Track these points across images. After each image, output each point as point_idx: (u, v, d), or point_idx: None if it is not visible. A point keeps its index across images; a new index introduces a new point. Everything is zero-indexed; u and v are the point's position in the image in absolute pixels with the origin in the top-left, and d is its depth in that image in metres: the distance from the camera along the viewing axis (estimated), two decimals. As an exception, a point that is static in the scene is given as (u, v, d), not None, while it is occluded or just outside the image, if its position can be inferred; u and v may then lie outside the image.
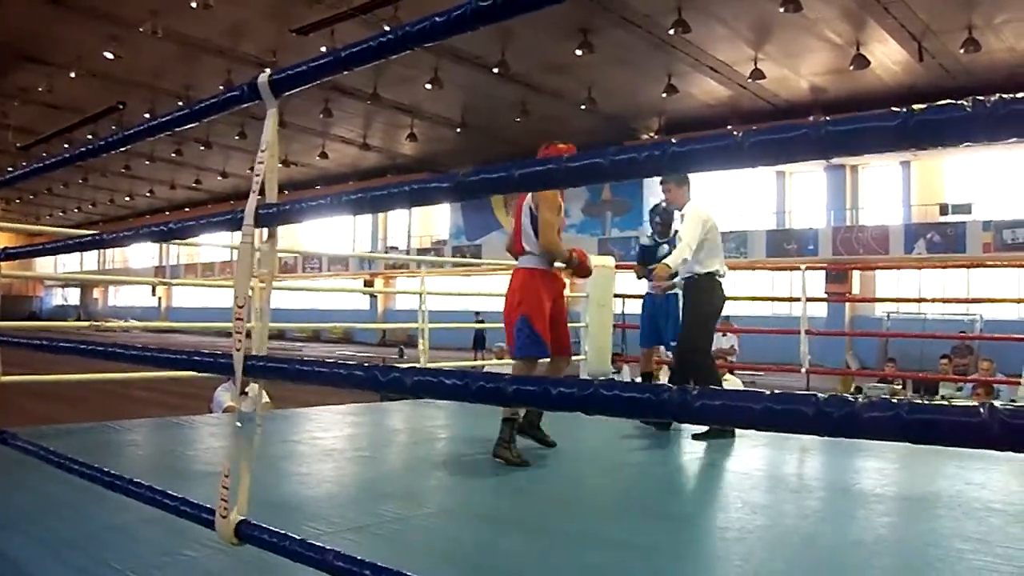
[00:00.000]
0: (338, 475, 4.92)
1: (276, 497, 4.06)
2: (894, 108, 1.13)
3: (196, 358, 2.46)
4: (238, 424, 2.16)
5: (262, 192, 2.10)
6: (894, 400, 1.08)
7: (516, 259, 5.63)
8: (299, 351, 33.52)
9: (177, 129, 2.65)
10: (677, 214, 7.20)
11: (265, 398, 8.20)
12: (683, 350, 6.41)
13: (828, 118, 1.23)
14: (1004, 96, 1.01)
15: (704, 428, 6.15)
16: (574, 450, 5.94)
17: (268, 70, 2.21)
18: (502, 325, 5.59)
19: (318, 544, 1.84)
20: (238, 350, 2.02)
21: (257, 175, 2.10)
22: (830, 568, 3.32)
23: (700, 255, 6.35)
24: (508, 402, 1.46)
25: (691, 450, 5.98)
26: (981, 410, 1.01)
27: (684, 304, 6.58)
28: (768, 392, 1.18)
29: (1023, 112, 0.98)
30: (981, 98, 1.05)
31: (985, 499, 4.48)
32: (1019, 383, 8.48)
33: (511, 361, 5.68)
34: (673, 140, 1.31)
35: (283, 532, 1.92)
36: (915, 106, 1.11)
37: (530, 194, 5.41)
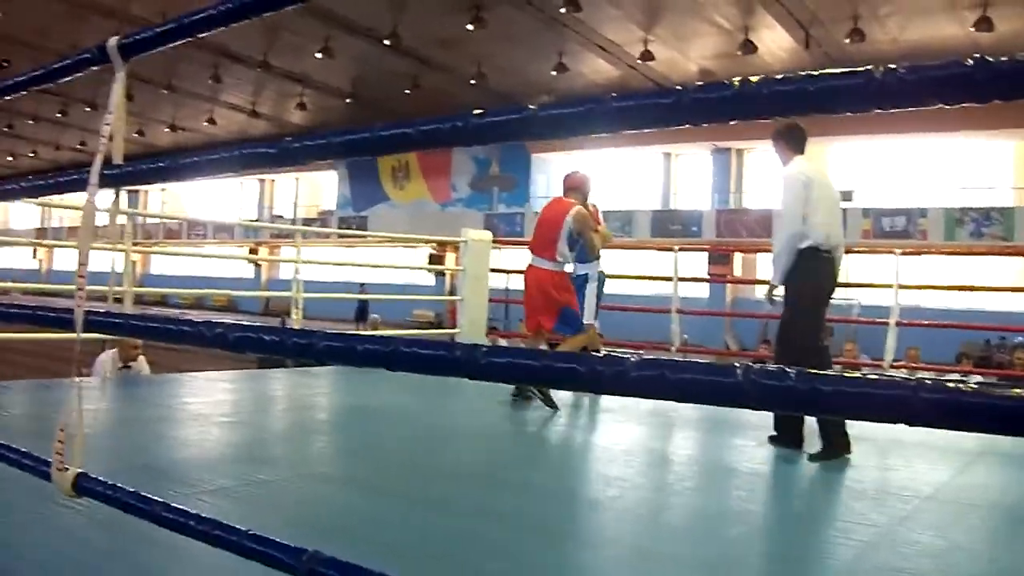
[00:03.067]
0: (203, 439, 4.93)
1: (141, 460, 4.10)
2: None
3: (40, 312, 2.48)
4: (77, 381, 2.18)
5: (109, 156, 2.12)
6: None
7: (533, 256, 6.66)
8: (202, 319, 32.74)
9: (34, 89, 2.63)
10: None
11: (145, 367, 8.12)
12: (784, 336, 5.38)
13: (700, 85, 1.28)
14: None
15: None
16: (443, 419, 6.04)
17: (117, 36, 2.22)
18: (386, 296, 6.01)
19: (148, 496, 1.89)
20: (79, 306, 2.04)
21: (103, 136, 2.11)
22: (675, 537, 3.48)
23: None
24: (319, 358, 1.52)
25: (558, 423, 6.12)
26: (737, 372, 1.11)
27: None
28: (549, 353, 1.27)
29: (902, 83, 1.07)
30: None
31: (842, 477, 4.72)
32: (880, 365, 8.84)
33: (392, 332, 5.92)
34: (475, 112, 1.39)
35: (118, 485, 1.97)
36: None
37: (571, 219, 6.50)
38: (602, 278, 7.63)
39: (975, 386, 0.94)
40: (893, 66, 1.11)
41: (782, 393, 1.07)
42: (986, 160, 27.71)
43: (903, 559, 3.24)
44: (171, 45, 2.09)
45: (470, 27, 24.40)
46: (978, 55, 1.03)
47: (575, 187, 6.89)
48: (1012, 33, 22.11)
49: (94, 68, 2.26)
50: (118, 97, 2.13)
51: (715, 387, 1.13)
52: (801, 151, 5.52)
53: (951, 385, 0.95)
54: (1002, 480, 4.99)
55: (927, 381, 0.97)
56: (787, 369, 1.06)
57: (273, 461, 4.48)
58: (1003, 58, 0.99)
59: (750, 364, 1.12)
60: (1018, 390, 0.90)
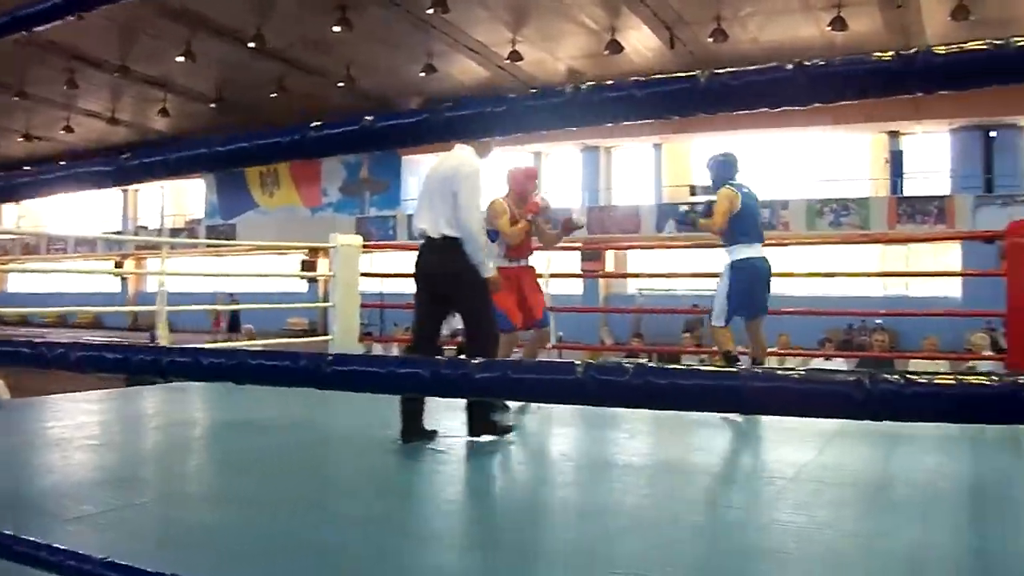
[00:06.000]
0: (65, 465, 4.74)
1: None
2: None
3: None
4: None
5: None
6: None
7: (520, 259, 6.82)
8: (41, 339, 31.72)
9: None
10: None
11: (4, 392, 7.78)
12: None
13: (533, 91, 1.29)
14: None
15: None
16: (325, 428, 5.97)
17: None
18: (257, 306, 5.99)
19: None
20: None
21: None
22: (554, 534, 3.51)
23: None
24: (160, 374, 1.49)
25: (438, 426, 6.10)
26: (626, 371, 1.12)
27: None
28: (399, 358, 1.27)
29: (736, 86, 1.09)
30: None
31: (704, 463, 4.82)
32: (748, 352, 9.05)
33: (266, 341, 5.91)
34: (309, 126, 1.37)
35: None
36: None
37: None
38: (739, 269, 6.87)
39: (801, 374, 0.98)
40: (719, 71, 1.14)
41: (621, 388, 1.08)
42: (844, 153, 28.75)
43: (768, 539, 3.34)
44: None
45: (337, 29, 24.17)
46: (798, 59, 1.06)
47: (509, 183, 6.95)
48: (865, 32, 23.02)
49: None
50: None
51: (557, 385, 1.14)
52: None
53: (779, 373, 0.99)
54: (857, 458, 5.19)
55: (756, 371, 0.99)
56: (625, 365, 1.07)
57: (140, 483, 4.36)
58: (819, 61, 1.02)
59: (591, 361, 1.13)
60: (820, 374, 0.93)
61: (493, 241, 6.56)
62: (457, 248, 5.11)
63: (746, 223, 6.78)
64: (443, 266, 5.19)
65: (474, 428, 5.21)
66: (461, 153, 5.34)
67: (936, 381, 0.94)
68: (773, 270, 6.90)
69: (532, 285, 6.88)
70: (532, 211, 6.63)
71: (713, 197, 7.02)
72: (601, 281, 29.28)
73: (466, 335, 5.46)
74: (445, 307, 5.39)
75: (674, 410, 1.08)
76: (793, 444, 5.34)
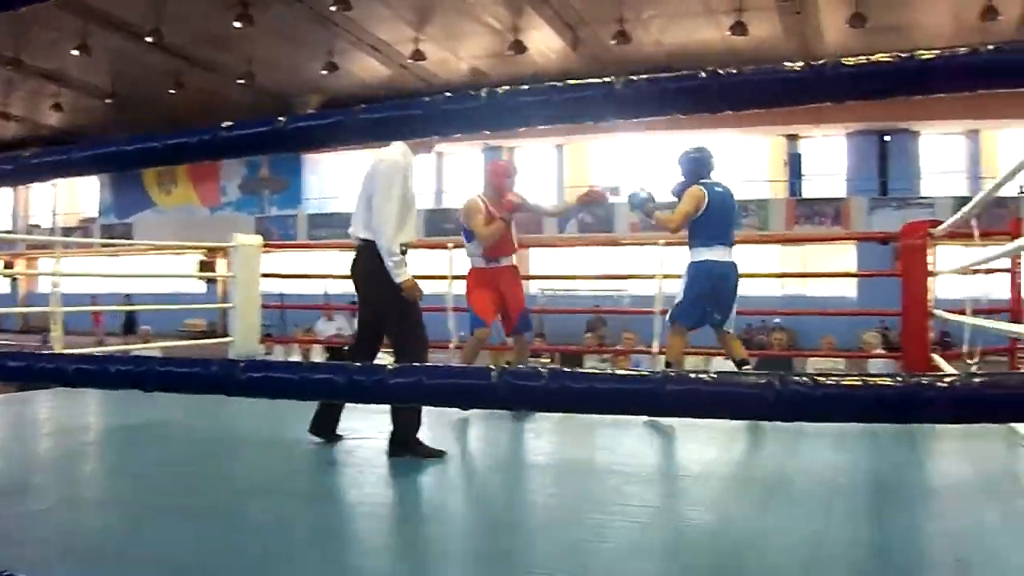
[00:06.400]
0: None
1: None
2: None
3: None
4: None
5: None
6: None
7: (499, 259, 6.57)
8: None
9: None
10: None
11: None
12: None
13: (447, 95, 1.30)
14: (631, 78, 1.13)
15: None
16: (230, 429, 5.87)
17: None
18: (154, 307, 5.78)
19: None
20: None
21: None
22: (455, 535, 3.50)
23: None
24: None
25: (345, 426, 6.03)
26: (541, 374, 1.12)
27: None
28: (312, 364, 1.25)
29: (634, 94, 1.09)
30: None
31: (612, 462, 4.87)
32: (651, 352, 9.17)
33: (164, 343, 5.75)
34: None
35: None
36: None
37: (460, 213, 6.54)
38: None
39: (714, 376, 1.00)
40: (633, 77, 1.15)
41: (536, 393, 1.09)
42: (744, 155, 29.30)
43: (678, 535, 3.39)
44: None
45: (237, 24, 23.76)
46: (711, 68, 1.08)
47: (486, 179, 6.72)
48: (765, 37, 23.53)
49: None
50: None
51: (469, 389, 1.14)
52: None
53: (692, 376, 1.00)
54: (762, 454, 5.33)
55: (670, 374, 1.01)
56: (540, 370, 1.08)
57: (33, 491, 4.23)
58: (732, 71, 1.04)
59: (505, 366, 1.14)
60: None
61: (469, 241, 6.50)
62: (371, 251, 4.88)
63: (712, 225, 6.36)
64: (357, 269, 5.05)
65: (394, 448, 4.85)
66: (388, 149, 5.05)
67: (844, 383, 0.97)
68: (675, 270, 6.83)
69: (512, 287, 6.62)
70: (508, 208, 6.37)
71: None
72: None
73: (392, 344, 5.26)
74: (371, 312, 5.16)
75: (589, 413, 1.09)
76: (701, 441, 5.42)
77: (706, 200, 6.35)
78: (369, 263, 4.91)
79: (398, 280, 4.86)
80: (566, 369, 1.09)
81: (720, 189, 6.51)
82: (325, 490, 4.34)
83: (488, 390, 1.13)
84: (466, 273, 6.82)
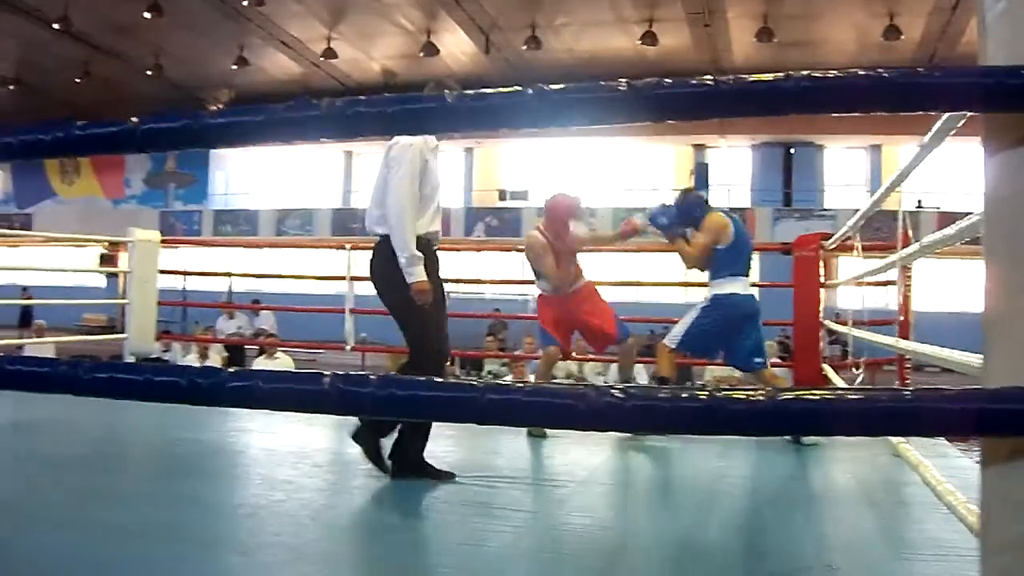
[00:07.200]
0: None
1: None
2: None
3: None
4: None
5: None
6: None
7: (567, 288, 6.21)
8: None
9: None
10: None
11: None
12: None
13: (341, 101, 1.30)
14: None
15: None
16: (113, 431, 5.75)
17: None
18: (51, 301, 5.52)
19: None
20: None
21: None
22: (335, 537, 3.48)
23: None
24: None
25: (228, 429, 5.95)
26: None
27: None
28: (154, 367, 1.24)
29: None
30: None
31: (497, 468, 4.88)
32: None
33: (57, 339, 5.52)
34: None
35: None
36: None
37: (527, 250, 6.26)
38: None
39: (532, 387, 1.01)
40: (557, 87, 1.18)
41: (365, 399, 1.09)
42: (651, 163, 29.69)
43: (555, 541, 3.42)
44: None
45: (147, 15, 23.35)
46: (627, 80, 1.10)
47: (546, 213, 6.32)
48: (675, 48, 23.89)
49: None
50: None
51: (302, 395, 1.14)
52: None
53: (513, 387, 1.01)
54: (647, 460, 5.42)
55: (493, 384, 1.02)
56: (370, 376, 1.08)
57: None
58: (650, 80, 1.07)
59: (337, 372, 1.13)
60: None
61: (538, 279, 6.27)
62: (384, 247, 4.35)
63: (737, 255, 5.99)
64: (372, 268, 4.51)
65: (400, 467, 4.36)
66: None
67: (654, 395, 0.99)
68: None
69: (590, 307, 6.21)
70: (576, 247, 6.08)
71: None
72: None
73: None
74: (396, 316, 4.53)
75: (414, 419, 1.09)
76: (588, 447, 5.46)
77: (731, 229, 5.94)
78: (382, 261, 4.38)
79: (410, 279, 4.24)
80: (395, 376, 1.09)
81: (735, 216, 6.21)
82: (186, 494, 4.27)
83: (320, 395, 1.12)
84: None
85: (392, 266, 4.25)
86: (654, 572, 3.11)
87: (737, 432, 1.02)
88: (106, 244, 26.15)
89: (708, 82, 1.10)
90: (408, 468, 4.31)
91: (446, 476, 4.36)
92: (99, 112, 24.63)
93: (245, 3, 22.57)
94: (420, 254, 4.26)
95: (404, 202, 4.27)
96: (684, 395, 0.98)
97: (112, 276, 27.97)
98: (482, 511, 3.90)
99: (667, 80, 1.13)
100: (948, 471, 3.41)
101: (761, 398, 0.99)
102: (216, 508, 3.89)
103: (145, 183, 35.19)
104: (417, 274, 4.23)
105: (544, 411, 0.99)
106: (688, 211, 6.04)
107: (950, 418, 1.16)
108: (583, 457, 5.25)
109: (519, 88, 1.19)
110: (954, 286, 22.47)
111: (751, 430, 1.03)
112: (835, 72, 1.19)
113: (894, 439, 4.53)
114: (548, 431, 5.74)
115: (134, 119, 1.41)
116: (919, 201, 23.51)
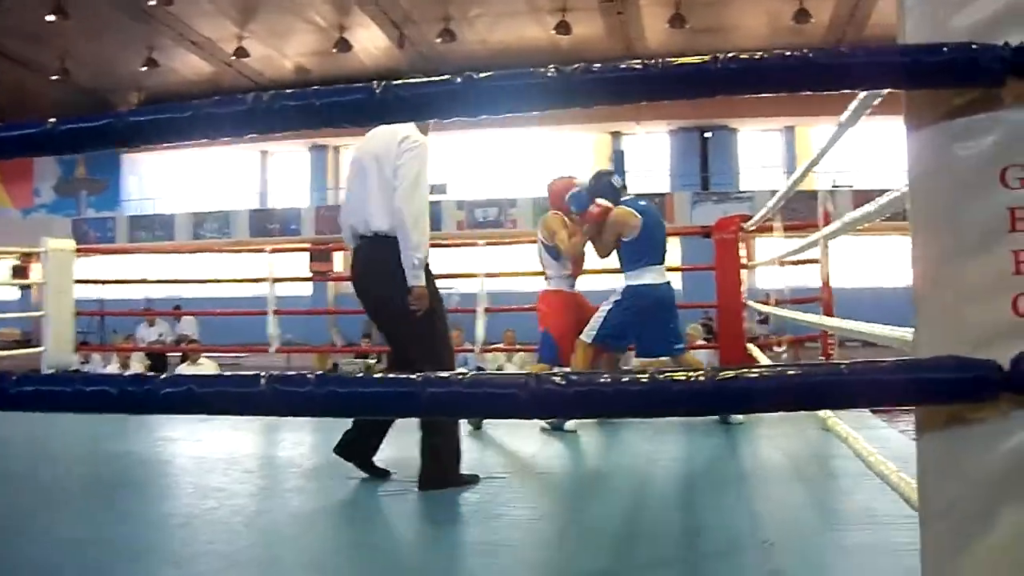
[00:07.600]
0: None
1: None
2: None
3: None
4: None
5: None
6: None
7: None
8: None
9: None
10: None
11: None
12: None
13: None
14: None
15: None
16: (43, 444, 5.62)
17: None
18: None
19: None
20: None
21: None
22: (272, 542, 3.44)
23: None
24: None
25: (154, 439, 5.85)
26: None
27: None
28: (86, 376, 1.20)
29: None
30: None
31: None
32: (474, 351, 9.28)
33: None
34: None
35: None
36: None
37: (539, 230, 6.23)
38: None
39: (473, 377, 1.00)
40: (486, 74, 1.18)
41: (304, 398, 1.07)
42: (568, 152, 29.78)
43: (493, 533, 3.42)
44: None
45: (51, 18, 22.78)
46: (555, 66, 1.10)
47: (549, 200, 6.23)
48: (588, 36, 24.05)
49: None
50: None
51: (238, 397, 1.12)
52: None
53: (453, 378, 1.01)
54: (582, 447, 5.46)
55: (431, 377, 1.01)
56: (307, 375, 1.07)
57: None
58: (578, 65, 1.07)
59: (273, 373, 1.12)
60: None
61: (555, 259, 6.11)
62: (383, 247, 4.08)
63: (647, 245, 5.96)
64: (366, 270, 4.28)
65: (427, 479, 4.08)
66: (398, 126, 4.03)
67: (595, 380, 0.98)
68: (502, 269, 6.76)
69: (589, 306, 6.13)
70: (595, 219, 5.83)
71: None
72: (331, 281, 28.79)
73: (396, 357, 4.60)
74: (391, 321, 4.34)
75: (355, 416, 1.08)
76: (522, 437, 5.48)
77: (638, 222, 5.86)
78: (385, 262, 4.05)
79: (412, 283, 4.00)
80: (332, 375, 1.07)
81: (644, 203, 6.15)
82: (127, 505, 4.20)
83: (257, 396, 1.10)
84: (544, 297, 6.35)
85: (400, 268, 4.00)
86: (592, 558, 3.12)
87: (679, 413, 1.03)
88: (19, 255, 25.51)
89: (636, 66, 1.10)
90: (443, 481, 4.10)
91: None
92: (5, 120, 23.83)
93: (153, 3, 22.16)
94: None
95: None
96: (625, 379, 0.98)
97: (26, 289, 27.31)
98: (418, 506, 3.89)
99: (596, 65, 1.12)
100: (876, 442, 3.47)
101: (702, 379, 1.00)
102: (147, 519, 3.82)
103: (55, 191, 34.30)
104: (421, 277, 4.06)
105: (486, 401, 0.98)
106: (599, 194, 5.94)
107: (888, 389, 1.18)
108: (519, 446, 5.28)
109: (448, 76, 1.19)
110: (869, 262, 22.95)
111: (693, 410, 1.04)
112: (761, 53, 1.20)
113: (822, 413, 4.61)
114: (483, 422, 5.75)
115: (51, 120, 1.37)
116: (834, 180, 23.96)
